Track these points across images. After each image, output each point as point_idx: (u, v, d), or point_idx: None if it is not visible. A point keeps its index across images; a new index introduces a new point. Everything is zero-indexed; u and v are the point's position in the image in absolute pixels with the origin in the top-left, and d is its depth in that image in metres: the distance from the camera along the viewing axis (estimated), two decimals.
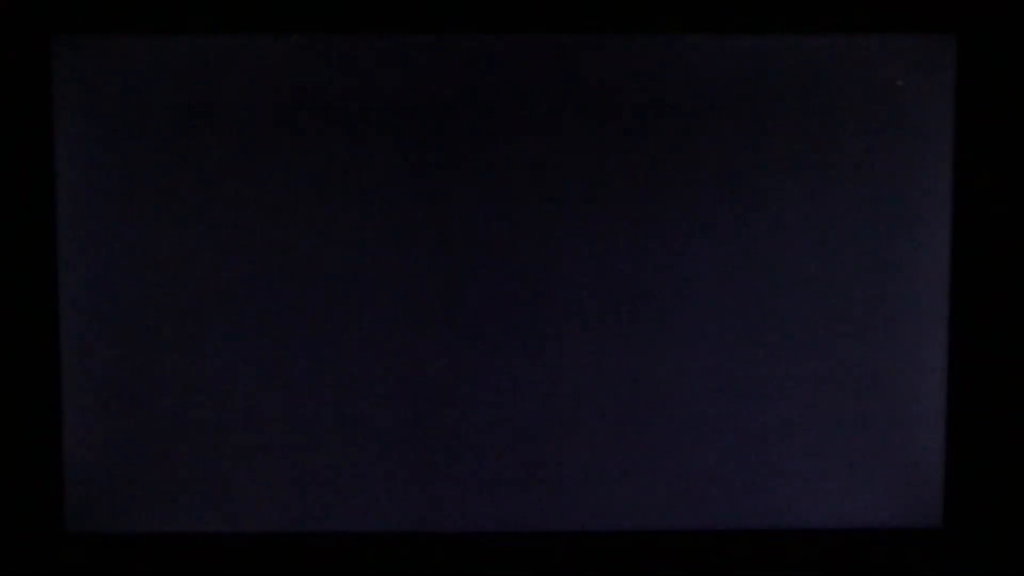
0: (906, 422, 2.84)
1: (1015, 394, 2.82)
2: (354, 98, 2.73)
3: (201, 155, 2.73)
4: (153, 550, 2.82)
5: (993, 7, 2.73)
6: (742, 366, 2.81)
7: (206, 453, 2.80)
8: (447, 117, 2.73)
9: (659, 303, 2.79)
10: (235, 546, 2.83)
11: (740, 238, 2.77)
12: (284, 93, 2.72)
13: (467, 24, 2.71)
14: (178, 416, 2.79)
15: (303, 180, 2.74)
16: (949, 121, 2.75)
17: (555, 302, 2.79)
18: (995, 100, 2.75)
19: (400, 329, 2.78)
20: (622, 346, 2.80)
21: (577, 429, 2.82)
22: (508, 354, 2.79)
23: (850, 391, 2.82)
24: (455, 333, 2.79)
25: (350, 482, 2.82)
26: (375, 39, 2.72)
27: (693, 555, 2.85)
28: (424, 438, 2.82)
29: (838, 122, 2.75)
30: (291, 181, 2.74)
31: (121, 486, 2.81)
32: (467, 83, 2.73)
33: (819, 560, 2.86)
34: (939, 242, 2.79)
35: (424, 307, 2.78)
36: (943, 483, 2.84)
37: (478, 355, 2.80)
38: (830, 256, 2.78)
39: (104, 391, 2.78)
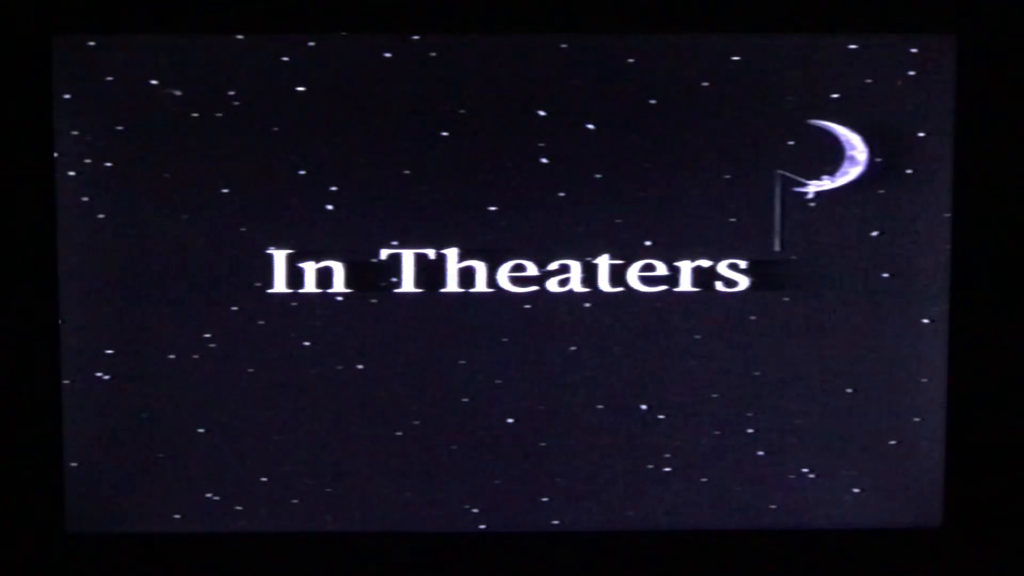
0: (906, 422, 2.84)
1: (1015, 394, 2.83)
2: (355, 97, 2.73)
3: (201, 155, 2.72)
4: (153, 550, 2.82)
5: (993, 7, 2.74)
6: (742, 367, 2.81)
7: (206, 453, 2.80)
8: (446, 117, 2.73)
9: (659, 302, 2.79)
10: (235, 546, 2.83)
11: (736, 237, 2.77)
12: (284, 93, 2.72)
13: (467, 24, 2.72)
14: (178, 416, 2.79)
15: (303, 179, 2.74)
16: (949, 121, 2.75)
17: (555, 300, 2.79)
18: (995, 100, 2.75)
19: (400, 328, 2.78)
20: (622, 345, 2.80)
21: (578, 429, 2.82)
22: (508, 352, 2.80)
23: (850, 391, 2.82)
24: (455, 329, 2.79)
25: (350, 482, 2.82)
26: (376, 39, 2.72)
27: (693, 555, 2.85)
28: (425, 438, 2.82)
29: (838, 122, 2.75)
30: (291, 181, 2.74)
31: (121, 486, 2.81)
32: (468, 83, 2.73)
33: (819, 560, 2.86)
34: (939, 242, 2.79)
35: (424, 306, 2.78)
36: (943, 483, 2.85)
37: (478, 352, 2.80)
38: (830, 256, 2.78)
39: (104, 391, 2.78)
